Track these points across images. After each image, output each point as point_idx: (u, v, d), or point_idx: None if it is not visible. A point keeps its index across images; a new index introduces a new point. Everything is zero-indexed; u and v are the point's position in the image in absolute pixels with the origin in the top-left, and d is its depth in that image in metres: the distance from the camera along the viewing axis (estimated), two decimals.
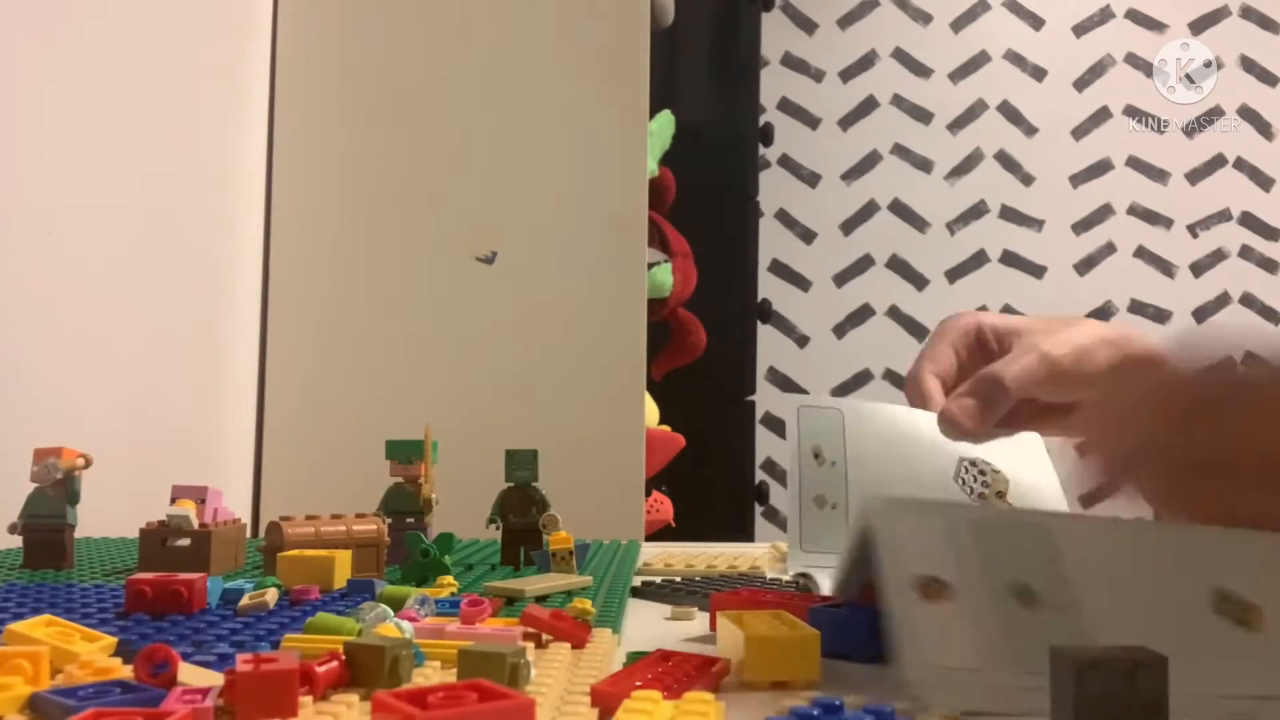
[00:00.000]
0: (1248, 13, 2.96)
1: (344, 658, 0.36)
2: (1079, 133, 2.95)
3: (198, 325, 1.17)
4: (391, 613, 0.46)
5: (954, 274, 2.94)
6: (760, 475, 2.53)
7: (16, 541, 0.67)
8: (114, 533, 0.83)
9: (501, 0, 1.33)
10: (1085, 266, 2.93)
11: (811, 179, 2.95)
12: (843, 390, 2.90)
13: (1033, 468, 0.76)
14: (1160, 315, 2.91)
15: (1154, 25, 2.96)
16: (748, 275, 2.16)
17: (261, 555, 0.63)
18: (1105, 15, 2.97)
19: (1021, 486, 0.74)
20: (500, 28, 1.32)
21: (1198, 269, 2.93)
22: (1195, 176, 2.94)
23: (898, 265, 2.94)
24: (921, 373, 0.77)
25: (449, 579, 0.60)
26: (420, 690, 0.30)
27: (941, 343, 0.78)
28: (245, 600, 0.49)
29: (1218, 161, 2.94)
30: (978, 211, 2.94)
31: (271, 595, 0.50)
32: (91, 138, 0.96)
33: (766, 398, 2.85)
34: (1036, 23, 2.98)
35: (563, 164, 1.31)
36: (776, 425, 2.89)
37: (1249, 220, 2.94)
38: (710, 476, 1.88)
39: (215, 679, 0.34)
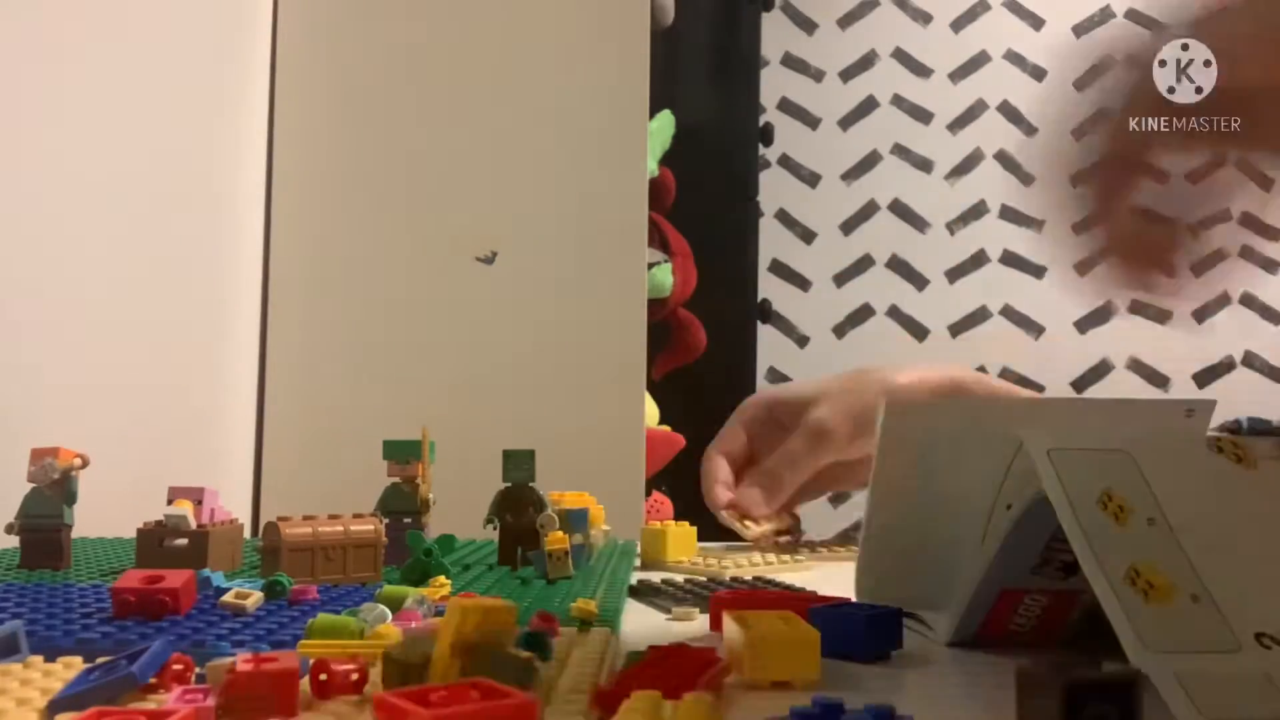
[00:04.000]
0: None
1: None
2: (1079, 133, 2.95)
3: (197, 326, 1.17)
4: (390, 613, 0.46)
5: (954, 274, 2.93)
6: None
7: (13, 541, 0.67)
8: (112, 533, 0.83)
9: (501, 0, 1.33)
10: (1085, 267, 2.93)
11: (811, 179, 2.95)
12: None
13: None
14: (1160, 315, 2.91)
15: (1154, 25, 2.96)
16: (748, 275, 2.16)
17: (260, 555, 0.63)
18: (1105, 15, 2.97)
19: None
20: (500, 27, 1.32)
21: (1198, 269, 2.93)
22: (1195, 176, 2.94)
23: (898, 265, 2.94)
24: (711, 452, 0.91)
25: (444, 579, 0.60)
26: (422, 688, 0.30)
27: (734, 424, 0.93)
28: (227, 597, 0.49)
29: (1218, 161, 2.94)
30: (978, 211, 2.94)
31: (254, 599, 0.49)
32: (90, 139, 0.96)
33: None
34: (1036, 23, 2.97)
35: (563, 164, 1.31)
36: None
37: (1249, 220, 2.94)
38: None
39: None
